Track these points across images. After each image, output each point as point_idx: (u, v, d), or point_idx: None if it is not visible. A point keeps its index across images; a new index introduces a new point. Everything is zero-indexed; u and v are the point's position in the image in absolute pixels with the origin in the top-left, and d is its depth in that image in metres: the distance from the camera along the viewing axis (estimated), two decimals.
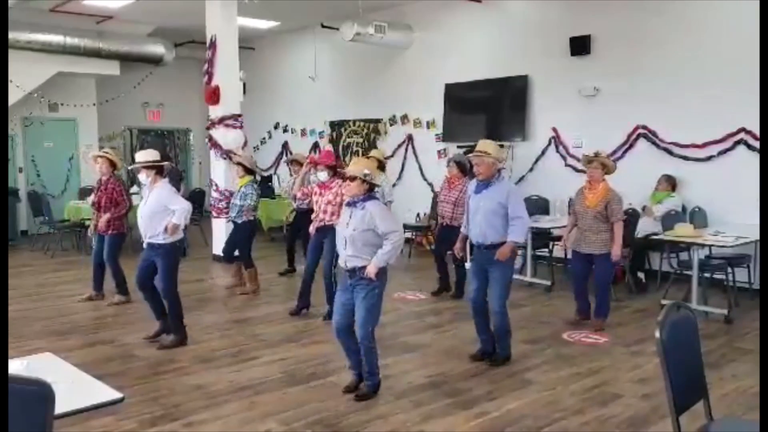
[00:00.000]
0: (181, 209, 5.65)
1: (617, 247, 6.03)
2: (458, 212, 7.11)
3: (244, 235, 7.79)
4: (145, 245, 5.79)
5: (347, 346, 4.57)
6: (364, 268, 4.35)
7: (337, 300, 4.61)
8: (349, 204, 4.51)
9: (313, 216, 6.58)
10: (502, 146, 9.60)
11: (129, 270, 7.12)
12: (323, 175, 6.43)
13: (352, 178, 4.41)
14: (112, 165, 7.21)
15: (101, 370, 4.79)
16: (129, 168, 7.56)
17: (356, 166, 4.48)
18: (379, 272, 4.36)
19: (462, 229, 5.53)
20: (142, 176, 5.74)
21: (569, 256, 6.96)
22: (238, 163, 7.88)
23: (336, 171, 6.44)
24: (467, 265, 5.61)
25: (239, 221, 7.66)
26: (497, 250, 5.00)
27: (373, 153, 9.61)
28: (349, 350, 4.59)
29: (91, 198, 7.60)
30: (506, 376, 4.99)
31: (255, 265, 7.86)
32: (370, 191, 4.45)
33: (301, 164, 7.64)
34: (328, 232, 6.37)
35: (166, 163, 6.08)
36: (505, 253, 5.00)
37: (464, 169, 7.40)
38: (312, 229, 6.56)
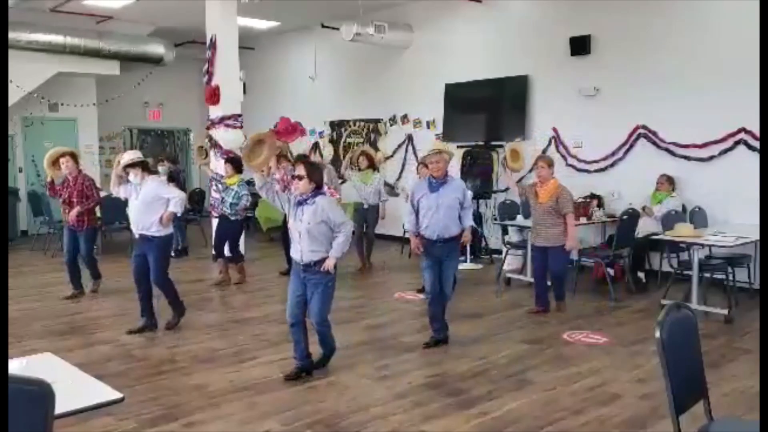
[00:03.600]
0: (175, 198, 5.78)
1: (571, 238, 6.52)
2: None
3: (234, 231, 8.15)
4: (137, 236, 5.98)
5: (297, 339, 4.90)
6: (320, 262, 4.67)
7: (292, 292, 4.88)
8: (299, 202, 4.71)
9: None
10: (492, 146, 9.71)
11: (122, 266, 7.14)
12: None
13: (300, 177, 4.65)
14: (75, 160, 7.23)
15: (101, 370, 4.81)
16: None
17: (301, 167, 4.74)
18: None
19: (411, 227, 5.77)
20: (132, 176, 5.84)
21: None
22: (227, 161, 7.97)
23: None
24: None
25: (233, 218, 7.95)
26: (462, 236, 5.67)
27: (365, 148, 9.67)
28: (298, 343, 4.90)
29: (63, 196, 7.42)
30: (506, 376, 5.00)
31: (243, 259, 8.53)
32: (317, 189, 4.70)
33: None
34: None
35: (149, 159, 6.21)
36: (468, 237, 5.73)
37: None
38: None
